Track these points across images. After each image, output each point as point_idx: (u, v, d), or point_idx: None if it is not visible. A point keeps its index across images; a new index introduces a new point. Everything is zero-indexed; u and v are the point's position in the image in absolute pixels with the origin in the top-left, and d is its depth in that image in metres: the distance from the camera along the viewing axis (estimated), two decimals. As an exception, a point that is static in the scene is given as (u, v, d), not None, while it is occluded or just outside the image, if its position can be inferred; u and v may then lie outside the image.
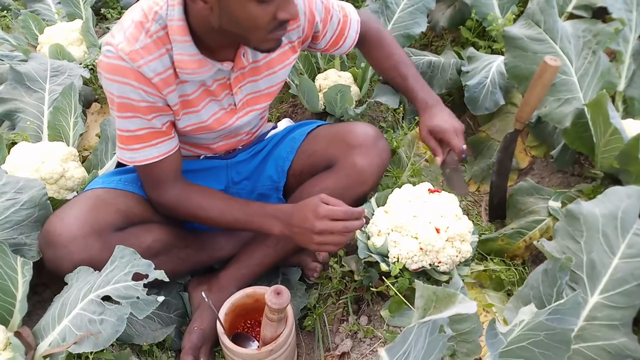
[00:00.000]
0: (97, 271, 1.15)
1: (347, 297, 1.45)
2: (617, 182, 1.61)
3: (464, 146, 1.40)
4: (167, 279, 1.07)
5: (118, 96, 1.17)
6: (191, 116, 1.31)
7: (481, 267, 1.47)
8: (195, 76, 1.23)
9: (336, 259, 1.45)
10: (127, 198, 1.35)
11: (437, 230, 1.30)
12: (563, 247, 1.10)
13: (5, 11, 2.57)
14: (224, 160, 1.58)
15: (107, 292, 1.05)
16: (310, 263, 1.54)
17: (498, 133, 1.95)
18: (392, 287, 1.27)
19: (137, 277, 1.07)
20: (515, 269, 1.47)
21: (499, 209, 1.73)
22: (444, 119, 1.40)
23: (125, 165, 1.43)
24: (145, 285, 1.05)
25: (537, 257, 1.62)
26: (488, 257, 1.55)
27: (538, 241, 1.13)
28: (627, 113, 1.74)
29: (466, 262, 1.38)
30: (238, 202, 1.34)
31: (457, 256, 1.32)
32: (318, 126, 1.59)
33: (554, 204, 1.55)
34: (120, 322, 1.01)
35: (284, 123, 1.75)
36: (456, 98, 2.23)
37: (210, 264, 1.53)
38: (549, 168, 1.86)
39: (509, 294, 1.47)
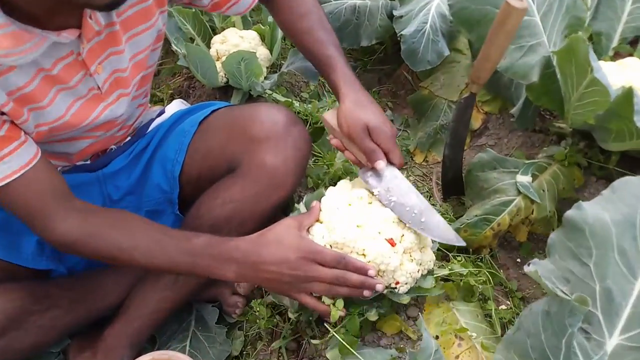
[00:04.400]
0: None
1: (282, 338, 1.11)
2: (589, 138, 1.34)
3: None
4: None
5: None
6: (37, 115, 0.90)
7: (445, 271, 1.16)
8: (16, 57, 0.80)
9: (262, 295, 1.11)
10: None
11: (391, 242, 0.96)
12: (564, 272, 0.80)
13: None
14: (94, 172, 1.16)
15: None
16: (229, 297, 1.19)
17: (444, 89, 1.62)
18: (336, 335, 0.93)
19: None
20: (488, 270, 1.18)
21: (454, 184, 1.43)
22: (381, 118, 1.00)
23: None
24: None
25: (506, 240, 1.35)
26: (450, 254, 1.26)
27: (528, 264, 0.82)
28: (595, 52, 1.44)
29: (429, 272, 1.06)
30: (174, 237, 0.96)
31: (418, 271, 1.00)
32: (213, 111, 1.19)
33: (523, 179, 1.26)
34: None
35: (174, 107, 1.32)
36: (389, 48, 1.88)
37: (95, 318, 1.15)
38: (507, 125, 1.57)
39: (482, 301, 1.19)
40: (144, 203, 1.20)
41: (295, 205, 1.12)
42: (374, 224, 0.98)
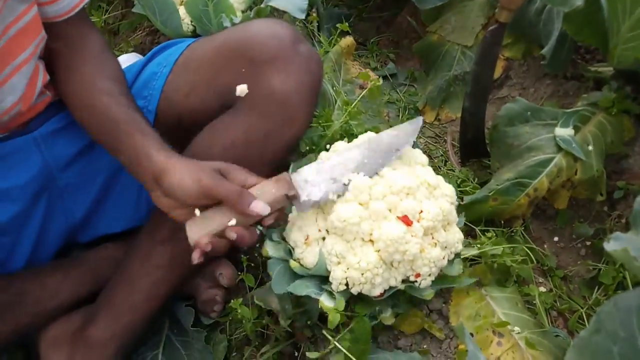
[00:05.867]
0: None
1: (274, 342, 0.88)
2: (636, 81, 1.11)
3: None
4: None
5: None
6: None
7: (473, 251, 0.93)
8: None
9: (245, 292, 0.87)
10: None
11: (406, 221, 0.73)
12: (665, 249, 0.56)
13: None
14: (27, 134, 0.90)
15: None
16: (206, 291, 0.96)
17: (456, 32, 1.38)
18: (339, 345, 0.70)
19: None
20: (527, 246, 0.96)
21: (474, 144, 1.20)
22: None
23: None
24: None
25: (539, 208, 1.12)
26: (476, 229, 1.03)
27: (607, 240, 0.59)
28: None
29: (456, 255, 0.83)
30: None
31: (444, 257, 0.77)
32: (189, 45, 0.96)
33: (564, 132, 1.03)
34: None
35: (127, 59, 1.06)
36: (387, -10, 1.61)
37: (47, 320, 0.92)
38: (532, 73, 1.33)
39: (517, 283, 0.96)
40: (102, 167, 0.96)
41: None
42: (382, 197, 0.74)
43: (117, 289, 0.91)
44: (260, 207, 0.68)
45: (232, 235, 0.68)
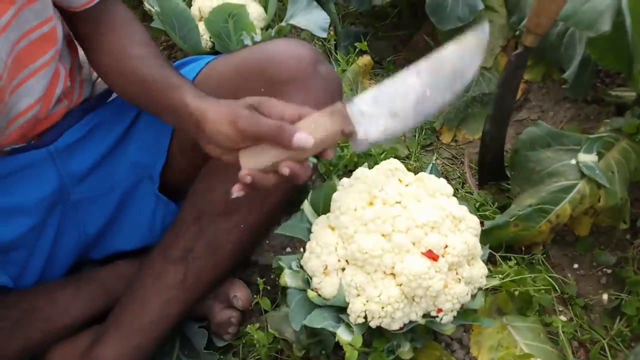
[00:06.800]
0: None
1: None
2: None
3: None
4: None
5: None
6: None
7: (495, 281, 0.91)
8: None
9: (260, 314, 0.85)
10: None
11: (432, 256, 0.70)
12: None
13: None
14: (43, 148, 0.88)
15: None
16: (220, 312, 0.93)
17: (474, 53, 1.35)
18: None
19: None
20: (549, 275, 0.93)
21: (493, 167, 1.18)
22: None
23: None
24: None
25: (559, 234, 1.09)
26: (497, 255, 1.01)
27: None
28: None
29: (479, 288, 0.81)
30: None
31: (467, 293, 0.74)
32: (208, 63, 0.94)
33: (588, 158, 1.01)
34: None
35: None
36: (404, 10, 1.60)
37: (59, 338, 0.90)
38: (552, 96, 1.32)
39: (538, 312, 0.94)
40: (116, 183, 0.95)
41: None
42: (406, 230, 0.72)
43: (127, 308, 0.88)
44: (303, 139, 0.64)
45: (285, 170, 0.65)
